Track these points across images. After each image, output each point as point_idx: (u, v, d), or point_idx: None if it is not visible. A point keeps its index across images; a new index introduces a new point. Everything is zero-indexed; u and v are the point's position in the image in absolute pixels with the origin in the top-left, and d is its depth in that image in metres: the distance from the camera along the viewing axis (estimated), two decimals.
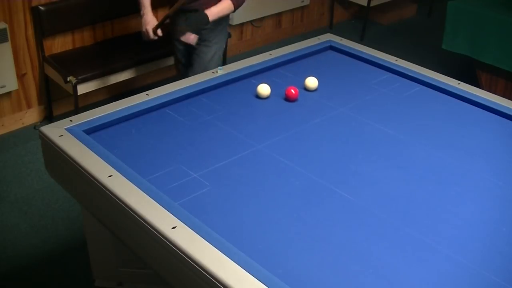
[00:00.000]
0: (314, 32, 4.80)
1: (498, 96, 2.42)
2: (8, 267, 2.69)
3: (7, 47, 3.39)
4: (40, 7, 3.48)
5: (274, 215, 1.72)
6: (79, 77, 3.44)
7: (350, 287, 1.48)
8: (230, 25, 4.59)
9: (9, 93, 3.57)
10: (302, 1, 5.08)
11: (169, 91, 2.31)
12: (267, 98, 2.35)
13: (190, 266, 1.50)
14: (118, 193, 1.72)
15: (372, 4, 5.20)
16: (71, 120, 2.09)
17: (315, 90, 2.44)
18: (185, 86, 2.37)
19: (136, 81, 3.85)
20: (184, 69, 3.18)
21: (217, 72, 2.49)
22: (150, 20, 2.94)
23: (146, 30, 2.90)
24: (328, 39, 2.86)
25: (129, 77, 3.70)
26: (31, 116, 3.71)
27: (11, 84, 3.51)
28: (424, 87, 2.50)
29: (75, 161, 1.87)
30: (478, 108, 2.36)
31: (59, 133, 2.00)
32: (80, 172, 1.85)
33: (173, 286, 1.65)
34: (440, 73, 2.58)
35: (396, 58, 2.71)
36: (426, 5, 5.95)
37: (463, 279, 1.52)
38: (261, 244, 1.60)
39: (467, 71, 4.16)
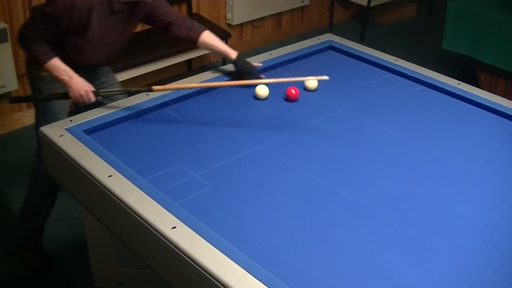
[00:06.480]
0: (314, 32, 4.79)
1: (498, 96, 2.42)
2: (8, 267, 2.69)
3: (7, 47, 3.39)
4: None
5: (274, 215, 1.72)
6: None
7: (350, 287, 1.49)
8: (230, 25, 4.61)
9: (9, 93, 3.56)
10: (302, 1, 5.07)
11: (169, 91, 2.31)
12: (265, 99, 2.35)
13: (190, 266, 1.50)
14: (118, 193, 1.72)
15: (372, 4, 5.20)
16: (71, 120, 2.09)
17: (315, 90, 2.44)
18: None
19: (136, 81, 3.85)
20: None
21: None
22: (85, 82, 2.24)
23: (86, 91, 2.20)
24: (328, 39, 2.85)
25: (129, 77, 3.69)
26: (31, 116, 3.68)
27: (11, 84, 3.50)
28: (424, 87, 2.50)
29: (75, 161, 1.87)
30: (478, 108, 2.36)
31: (59, 133, 2.00)
32: (80, 172, 1.85)
33: (173, 286, 1.65)
34: (440, 73, 2.58)
35: (396, 58, 2.70)
36: (426, 5, 5.94)
37: (463, 279, 1.52)
38: (261, 244, 1.60)
39: (467, 71, 4.16)
